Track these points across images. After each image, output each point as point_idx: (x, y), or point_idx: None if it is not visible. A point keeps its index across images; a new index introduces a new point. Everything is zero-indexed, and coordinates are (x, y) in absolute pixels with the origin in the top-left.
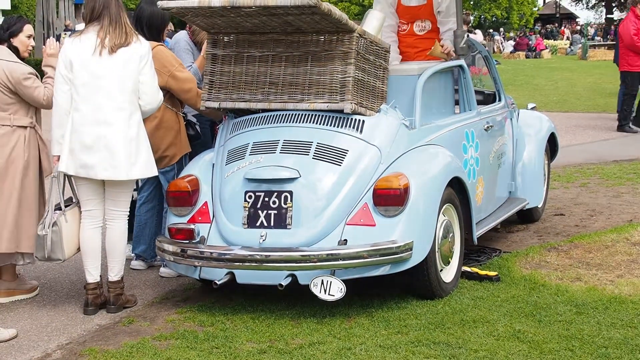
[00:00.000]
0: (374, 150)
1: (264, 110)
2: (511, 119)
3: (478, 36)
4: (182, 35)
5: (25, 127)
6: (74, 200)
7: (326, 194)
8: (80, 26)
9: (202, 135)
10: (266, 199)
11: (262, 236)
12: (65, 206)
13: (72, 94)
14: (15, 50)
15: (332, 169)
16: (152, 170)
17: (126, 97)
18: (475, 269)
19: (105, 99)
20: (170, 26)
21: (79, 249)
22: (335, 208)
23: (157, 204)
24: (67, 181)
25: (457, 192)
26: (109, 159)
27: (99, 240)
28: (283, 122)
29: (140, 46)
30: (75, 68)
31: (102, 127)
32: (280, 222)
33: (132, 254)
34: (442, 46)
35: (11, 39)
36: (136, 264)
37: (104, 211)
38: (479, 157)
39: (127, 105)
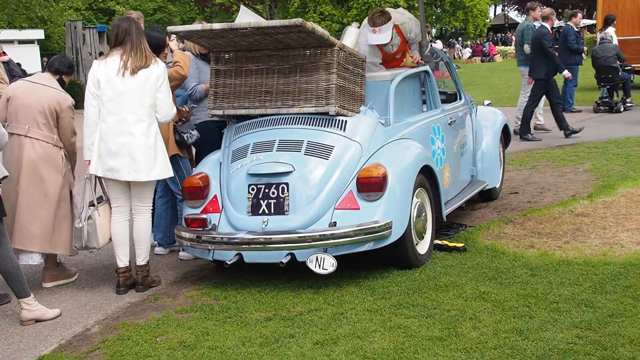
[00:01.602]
0: (355, 145)
1: (261, 115)
2: (471, 114)
3: (438, 45)
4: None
5: (61, 148)
6: (104, 198)
7: (317, 184)
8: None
9: (187, 141)
10: (266, 190)
11: (264, 222)
12: (97, 203)
13: (100, 108)
14: (61, 83)
15: (321, 162)
16: (169, 172)
17: (145, 110)
18: (445, 242)
19: (127, 113)
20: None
21: (110, 239)
22: (325, 195)
23: (171, 198)
24: (97, 182)
25: (427, 177)
26: (131, 164)
27: (127, 231)
28: (278, 125)
29: (157, 67)
30: (102, 86)
31: (125, 137)
32: (279, 209)
33: (155, 242)
34: (411, 57)
35: (63, 75)
36: (159, 249)
37: (131, 206)
38: (444, 148)
39: (146, 118)
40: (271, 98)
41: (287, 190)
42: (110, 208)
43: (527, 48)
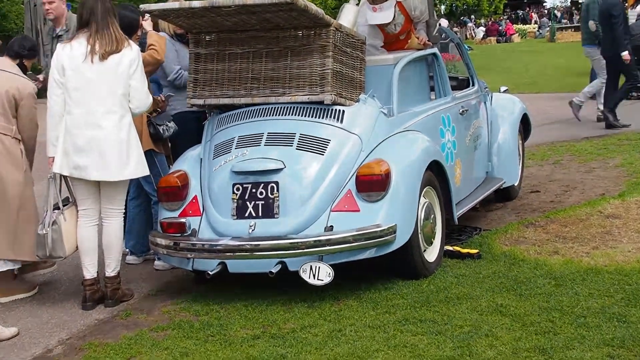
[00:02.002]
0: (354, 138)
1: (247, 105)
2: (485, 102)
3: (445, 23)
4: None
5: (20, 141)
6: (70, 199)
7: (311, 182)
8: None
9: (163, 135)
10: (253, 190)
11: (251, 226)
12: (63, 206)
13: (65, 98)
14: (22, 68)
15: (315, 158)
16: (144, 170)
17: (116, 100)
18: (457, 248)
19: (96, 103)
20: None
21: (77, 247)
22: (320, 196)
23: (145, 200)
24: (63, 181)
25: (436, 175)
26: (100, 161)
27: (95, 238)
28: (266, 116)
29: (131, 51)
30: (67, 73)
31: (93, 130)
32: (268, 212)
33: (127, 250)
34: (417, 37)
35: (24, 59)
36: (131, 258)
37: (100, 210)
38: (455, 141)
39: (118, 109)
40: (258, 85)
41: (277, 190)
42: (77, 211)
43: (592, 25)
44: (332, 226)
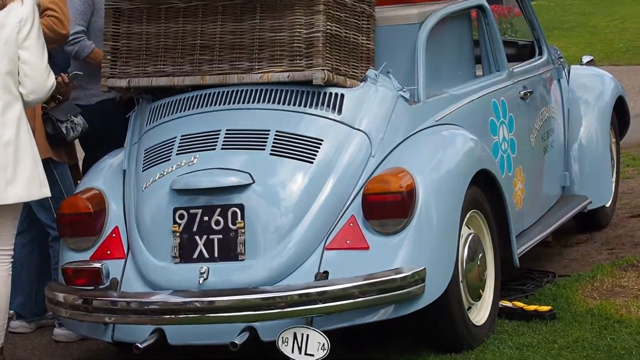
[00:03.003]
0: (360, 137)
1: (195, 88)
2: (559, 79)
3: None
4: None
5: None
6: None
7: (294, 205)
8: None
9: (66, 135)
10: (205, 218)
11: (202, 273)
12: None
13: None
14: None
15: (300, 168)
16: (41, 190)
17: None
18: (519, 304)
19: None
20: None
21: None
22: (308, 226)
23: (38, 234)
24: None
25: (485, 191)
26: None
27: None
28: (224, 104)
29: (21, 7)
30: None
31: None
32: (228, 251)
33: (11, 311)
34: None
35: None
36: (18, 324)
37: None
38: (514, 139)
39: (1, 94)
40: (212, 57)
41: (242, 218)
42: None
43: None
44: (326, 272)
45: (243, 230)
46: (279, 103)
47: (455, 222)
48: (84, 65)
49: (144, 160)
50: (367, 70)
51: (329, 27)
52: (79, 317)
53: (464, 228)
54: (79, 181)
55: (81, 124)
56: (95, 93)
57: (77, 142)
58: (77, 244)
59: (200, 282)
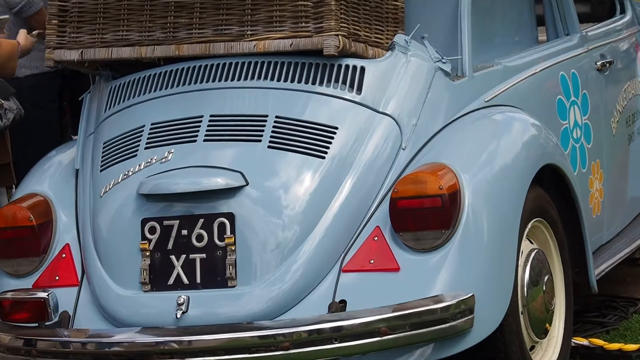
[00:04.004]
0: (386, 123)
1: (168, 61)
2: None
3: None
4: None
5: None
6: None
7: (300, 214)
8: None
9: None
10: (184, 231)
11: (180, 305)
12: None
13: None
14: None
15: (308, 165)
16: None
17: None
18: (598, 341)
19: None
20: None
21: None
22: (319, 241)
23: None
24: None
25: (552, 194)
26: None
27: None
28: (207, 81)
29: None
30: None
31: None
32: (215, 275)
33: None
34: None
35: None
36: None
37: None
38: (590, 124)
39: None
40: (191, 21)
41: (232, 232)
42: None
43: None
44: (343, 302)
45: (233, 248)
46: (279, 80)
47: (512, 234)
48: (24, 27)
49: (102, 157)
50: (394, 35)
51: None
52: None
53: (525, 242)
54: (13, 186)
55: (14, 109)
56: (25, 63)
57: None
58: (16, 267)
59: (178, 315)
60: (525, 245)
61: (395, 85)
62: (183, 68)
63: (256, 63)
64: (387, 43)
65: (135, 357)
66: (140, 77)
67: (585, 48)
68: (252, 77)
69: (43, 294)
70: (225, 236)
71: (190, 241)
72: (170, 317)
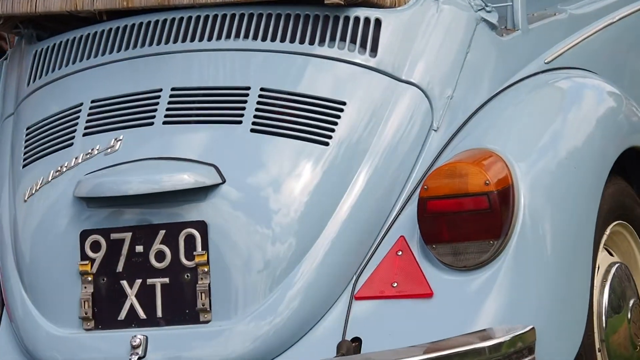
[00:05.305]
0: (411, 95)
1: (113, 15)
2: None
3: None
4: None
5: None
6: None
7: (296, 222)
8: None
9: None
10: (138, 248)
11: (135, 348)
12: None
13: None
14: None
15: (306, 154)
16: None
17: None
18: None
19: None
20: None
21: None
22: (322, 258)
23: None
24: None
25: (636, 187)
26: None
27: None
28: (167, 42)
29: None
30: None
31: None
32: (182, 307)
33: None
34: None
35: None
36: None
37: None
38: None
39: None
40: None
41: (204, 248)
42: None
43: None
44: (357, 340)
45: (206, 269)
46: (264, 39)
47: (585, 244)
48: None
49: (25, 148)
50: None
51: None
52: None
53: (602, 254)
54: None
55: None
56: None
57: None
58: None
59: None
60: (603, 258)
61: (423, 44)
62: (134, 25)
63: (233, 16)
64: None
65: None
66: (75, 38)
67: None
68: (228, 36)
69: None
70: (195, 253)
71: (147, 261)
72: None
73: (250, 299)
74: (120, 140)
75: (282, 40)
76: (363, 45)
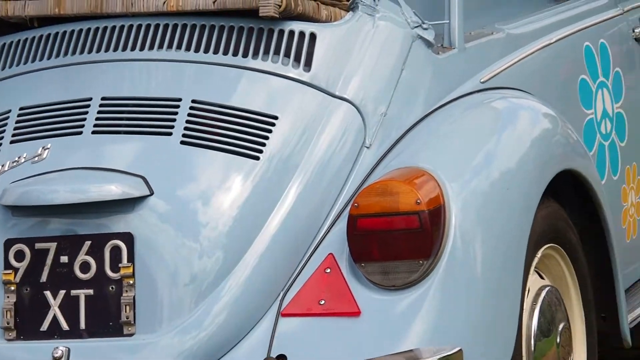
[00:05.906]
0: (344, 111)
1: (44, 22)
2: None
3: None
4: None
5: None
6: None
7: (225, 236)
8: None
9: None
10: (63, 258)
11: (56, 359)
12: None
13: None
14: None
15: (236, 168)
16: None
17: None
18: None
19: None
20: None
21: None
22: (249, 273)
23: None
24: None
25: (571, 210)
26: None
27: None
28: (98, 51)
29: None
30: None
31: None
32: (106, 318)
33: None
34: None
35: None
36: None
37: None
38: (623, 114)
39: None
40: None
41: (130, 260)
42: None
43: None
44: (283, 357)
45: (132, 282)
46: (197, 51)
47: (516, 266)
48: None
49: None
50: None
51: None
52: None
53: (533, 277)
54: None
55: None
56: None
57: None
58: None
59: None
60: (534, 281)
61: (358, 60)
62: (65, 32)
63: (166, 27)
64: (348, 0)
65: None
66: (4, 44)
67: (620, 9)
68: (161, 47)
69: None
70: (120, 265)
71: (72, 272)
72: None
73: (176, 313)
74: (48, 148)
75: (216, 52)
76: (297, 60)
